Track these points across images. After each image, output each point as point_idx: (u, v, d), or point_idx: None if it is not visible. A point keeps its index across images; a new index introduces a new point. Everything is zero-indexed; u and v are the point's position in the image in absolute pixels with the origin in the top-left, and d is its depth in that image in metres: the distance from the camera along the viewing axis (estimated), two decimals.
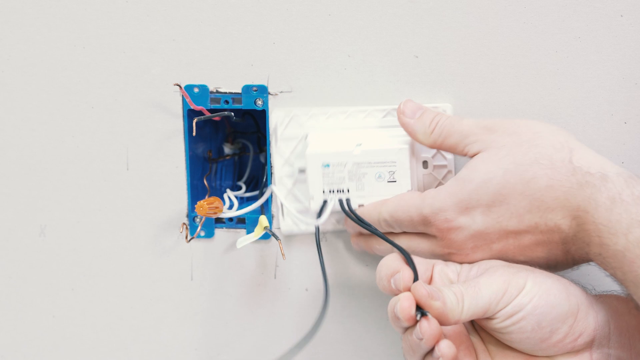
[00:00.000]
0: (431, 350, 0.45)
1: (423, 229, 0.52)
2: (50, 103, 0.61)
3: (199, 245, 0.64)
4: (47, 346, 0.68)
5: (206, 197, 0.64)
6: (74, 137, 0.62)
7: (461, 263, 0.52)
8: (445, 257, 0.52)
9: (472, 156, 0.52)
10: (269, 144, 0.61)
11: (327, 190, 0.56)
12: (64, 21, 0.59)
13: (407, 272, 0.47)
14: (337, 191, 0.56)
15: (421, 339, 0.44)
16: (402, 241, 0.54)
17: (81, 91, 0.61)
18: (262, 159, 0.70)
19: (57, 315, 0.67)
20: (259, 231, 0.61)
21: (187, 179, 0.62)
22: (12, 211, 0.64)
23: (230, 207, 0.62)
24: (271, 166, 0.61)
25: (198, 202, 0.58)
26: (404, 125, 0.54)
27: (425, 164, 0.58)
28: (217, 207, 0.59)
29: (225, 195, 0.64)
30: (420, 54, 0.58)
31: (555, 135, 0.50)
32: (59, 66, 0.60)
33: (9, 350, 0.68)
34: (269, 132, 0.60)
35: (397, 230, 0.54)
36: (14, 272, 0.66)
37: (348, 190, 0.56)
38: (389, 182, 0.55)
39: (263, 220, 0.61)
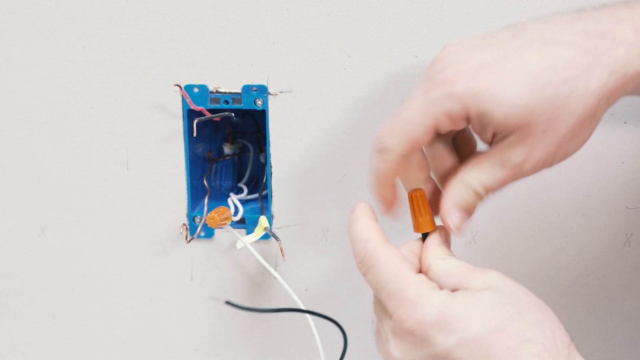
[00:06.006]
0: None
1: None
2: (50, 103, 0.61)
3: (199, 245, 0.64)
4: (47, 346, 0.68)
5: (206, 197, 0.64)
6: (74, 137, 0.62)
7: None
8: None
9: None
10: (269, 144, 0.61)
11: None
12: (64, 21, 0.59)
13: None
14: None
15: None
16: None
17: (81, 91, 0.61)
18: (262, 159, 0.70)
19: (57, 315, 0.67)
20: (259, 231, 0.61)
21: (187, 179, 0.62)
22: (12, 211, 0.64)
23: (235, 212, 0.63)
24: (271, 166, 0.61)
25: (209, 214, 0.58)
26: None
27: None
28: (227, 218, 0.59)
29: (229, 200, 0.64)
30: (420, 54, 0.58)
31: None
32: (59, 66, 0.60)
33: (9, 350, 0.68)
34: (268, 132, 0.60)
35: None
36: (14, 272, 0.66)
37: None
38: None
39: (263, 220, 0.61)
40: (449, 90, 0.42)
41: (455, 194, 0.45)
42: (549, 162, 0.44)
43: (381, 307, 0.45)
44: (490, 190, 0.45)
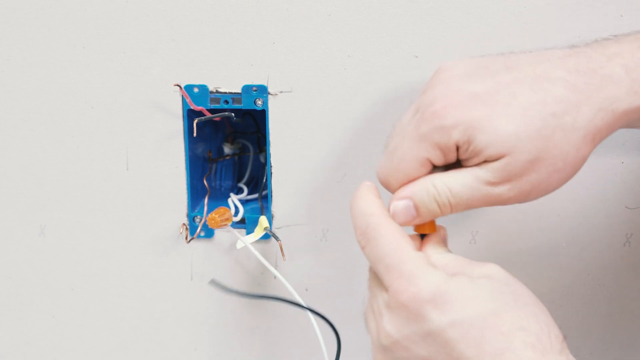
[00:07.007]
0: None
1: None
2: (50, 103, 0.61)
3: (199, 245, 0.64)
4: (47, 346, 0.68)
5: (206, 197, 0.64)
6: (74, 137, 0.62)
7: None
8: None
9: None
10: (269, 144, 0.61)
11: None
12: (64, 21, 0.59)
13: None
14: None
15: None
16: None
17: (81, 91, 0.61)
18: (262, 159, 0.70)
19: (57, 315, 0.67)
20: (259, 232, 0.61)
21: (187, 179, 0.62)
22: (12, 211, 0.64)
23: (236, 212, 0.63)
24: (271, 166, 0.61)
25: (210, 215, 0.58)
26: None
27: None
28: (227, 219, 0.59)
29: (229, 200, 0.64)
30: (420, 54, 0.58)
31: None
32: (59, 66, 0.60)
33: (9, 350, 0.68)
34: (268, 132, 0.60)
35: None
36: (14, 272, 0.66)
37: None
38: None
39: (263, 220, 0.61)
40: (437, 123, 0.43)
41: (416, 186, 0.45)
42: (525, 193, 0.44)
43: (377, 282, 0.45)
44: (454, 196, 0.44)
